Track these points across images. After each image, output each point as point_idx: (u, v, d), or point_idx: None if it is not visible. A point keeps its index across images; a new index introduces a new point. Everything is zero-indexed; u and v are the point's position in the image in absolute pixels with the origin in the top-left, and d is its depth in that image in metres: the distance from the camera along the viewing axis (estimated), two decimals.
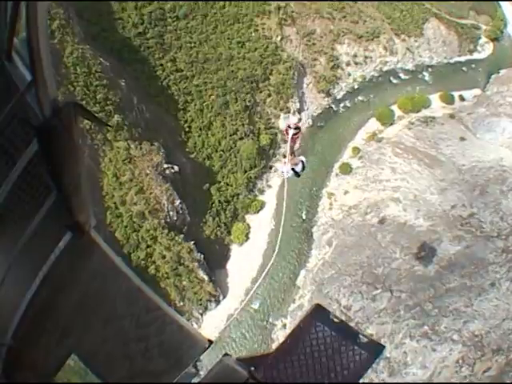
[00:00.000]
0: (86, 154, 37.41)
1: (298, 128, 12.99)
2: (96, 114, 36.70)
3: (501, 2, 78.48)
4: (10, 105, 2.64)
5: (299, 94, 55.29)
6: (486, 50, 70.08)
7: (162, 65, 49.66)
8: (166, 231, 40.90)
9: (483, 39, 70.88)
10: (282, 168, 13.77)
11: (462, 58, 67.29)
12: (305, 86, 56.34)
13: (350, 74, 59.23)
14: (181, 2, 53.22)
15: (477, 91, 61.98)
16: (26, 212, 3.03)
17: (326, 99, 56.71)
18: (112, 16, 50.00)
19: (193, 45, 52.17)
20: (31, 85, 2.45)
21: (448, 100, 59.20)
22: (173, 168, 44.56)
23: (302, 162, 13.50)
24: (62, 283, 3.39)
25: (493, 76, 63.12)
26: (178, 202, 43.12)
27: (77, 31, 43.69)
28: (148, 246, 39.94)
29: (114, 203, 39.92)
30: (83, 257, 3.42)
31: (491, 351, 31.97)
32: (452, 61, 66.71)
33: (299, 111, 54.41)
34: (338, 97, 57.53)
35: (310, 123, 55.01)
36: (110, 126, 41.41)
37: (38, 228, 3.03)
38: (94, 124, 39.72)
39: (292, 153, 12.47)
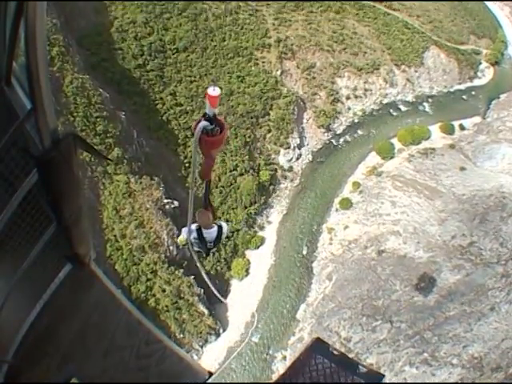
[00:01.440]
0: (85, 186, 40.62)
1: (218, 125, 4.43)
2: (96, 147, 41.93)
3: (502, 23, 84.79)
4: (9, 132, 2.68)
5: (299, 130, 59.77)
6: (486, 75, 76.18)
7: (161, 98, 53.29)
8: (165, 265, 44.49)
9: (483, 64, 77.17)
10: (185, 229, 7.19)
11: (462, 86, 72.85)
12: (305, 121, 60.90)
13: (349, 108, 64.08)
14: (180, 35, 57.11)
15: (477, 119, 66.93)
16: (26, 240, 3.13)
17: (326, 134, 61.41)
18: (112, 46, 53.51)
19: (193, 78, 55.86)
20: (31, 113, 2.51)
21: (448, 130, 63.89)
22: (173, 203, 48.33)
23: (220, 227, 6.87)
24: (62, 312, 3.64)
25: (493, 102, 68.52)
26: None
27: (76, 60, 47.24)
28: (148, 280, 43.42)
29: (114, 236, 43.45)
30: (83, 288, 3.72)
31: (490, 370, 35.48)
32: (452, 89, 72.22)
33: (299, 146, 59.00)
34: (338, 131, 62.26)
35: (310, 159, 59.31)
36: (110, 160, 44.24)
37: (38, 257, 3.15)
38: (94, 157, 41.58)
39: (206, 198, 6.21)
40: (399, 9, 78.10)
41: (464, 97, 71.66)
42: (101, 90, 47.14)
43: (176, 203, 48.76)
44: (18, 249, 3.19)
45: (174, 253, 46.52)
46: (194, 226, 7.03)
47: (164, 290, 43.76)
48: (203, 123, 4.29)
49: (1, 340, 3.60)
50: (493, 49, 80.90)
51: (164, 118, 52.94)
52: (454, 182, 53.29)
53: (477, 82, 75.18)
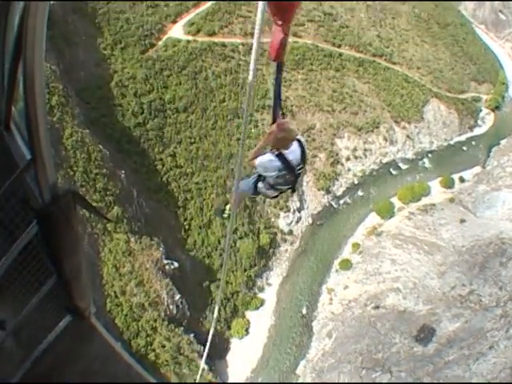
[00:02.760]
0: (85, 242, 43.07)
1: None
2: (96, 204, 45.88)
3: (503, 62, 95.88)
4: (8, 181, 2.77)
5: (299, 193, 64.02)
6: (486, 122, 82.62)
7: (161, 159, 56.87)
8: (165, 323, 47.84)
9: (484, 111, 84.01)
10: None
11: (463, 137, 78.90)
12: (305, 183, 65.43)
13: (349, 169, 69.18)
14: (180, 94, 60.75)
15: (477, 169, 72.39)
16: (27, 289, 3.29)
17: (326, 196, 66.25)
18: (112, 102, 56.78)
19: (193, 140, 59.79)
20: (30, 165, 2.60)
21: (448, 184, 69.20)
22: (172, 264, 51.78)
23: (299, 141, 6.96)
24: (60, 362, 3.93)
25: (493, 149, 74.19)
26: (177, 296, 50.09)
27: (76, 113, 49.89)
28: (148, 335, 46.49)
29: (114, 292, 46.51)
30: (83, 339, 4.04)
31: None
32: (452, 142, 78.11)
33: (299, 210, 63.38)
34: (338, 193, 67.25)
35: (310, 221, 63.74)
36: (109, 220, 47.78)
37: (38, 305, 3.33)
38: (93, 215, 44.03)
39: (278, 98, 6.69)
40: (399, 62, 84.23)
41: (464, 148, 77.40)
42: (100, 146, 50.22)
43: (176, 264, 51.93)
44: (17, 296, 3.33)
45: (174, 311, 49.56)
46: (266, 158, 6.92)
47: (164, 346, 46.66)
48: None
49: None
50: (493, 93, 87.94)
51: (164, 179, 56.15)
52: (454, 234, 57.94)
53: (477, 131, 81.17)
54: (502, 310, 45.77)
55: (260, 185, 7.68)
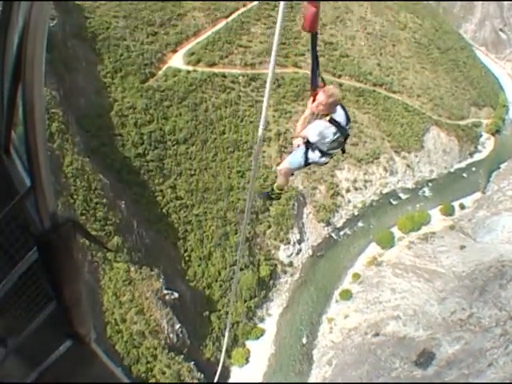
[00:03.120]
0: (85, 270, 45.67)
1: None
2: (96, 233, 48.59)
3: (504, 83, 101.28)
4: (8, 206, 2.85)
5: (299, 225, 67.03)
6: (487, 147, 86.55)
7: (161, 190, 59.28)
8: (166, 351, 49.92)
9: (484, 136, 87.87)
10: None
11: (463, 164, 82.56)
12: (305, 216, 68.40)
13: (349, 201, 72.36)
14: (181, 125, 63.70)
15: (477, 195, 75.86)
16: (26, 312, 3.38)
17: (326, 228, 69.23)
18: (112, 131, 59.13)
19: (193, 172, 62.32)
20: (30, 192, 2.67)
21: (448, 212, 72.39)
22: (173, 294, 54.16)
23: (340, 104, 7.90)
24: (59, 382, 4.01)
25: (493, 174, 77.80)
26: (177, 325, 52.29)
27: (76, 140, 52.15)
28: (148, 362, 48.63)
29: (115, 320, 48.66)
30: (83, 363, 4.15)
31: None
32: (452, 169, 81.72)
33: (299, 242, 66.05)
34: (338, 225, 70.21)
35: (310, 253, 66.49)
36: (109, 249, 49.45)
37: (38, 330, 3.43)
38: (93, 244, 45.33)
39: (315, 65, 7.33)
40: (399, 90, 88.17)
41: (464, 174, 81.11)
42: (101, 175, 52.43)
43: (176, 294, 54.15)
44: (17, 319, 3.44)
45: (174, 340, 51.73)
46: (322, 126, 7.71)
47: (164, 373, 48.55)
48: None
49: None
50: (494, 117, 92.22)
51: (164, 210, 58.68)
52: (454, 261, 60.58)
53: (477, 157, 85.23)
54: (501, 329, 48.02)
55: (311, 155, 8.48)
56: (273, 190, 9.86)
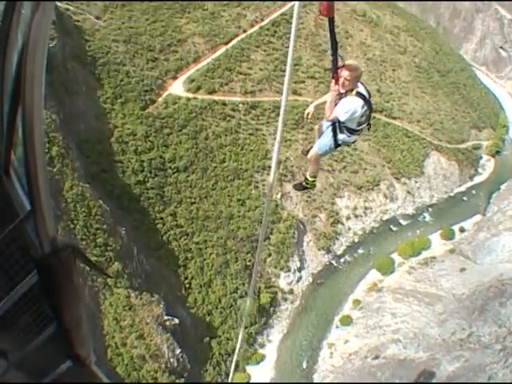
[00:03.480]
0: (86, 294, 47.29)
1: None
2: (96, 258, 50.63)
3: (504, 103, 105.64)
4: (8, 228, 2.93)
5: (299, 253, 69.62)
6: (487, 169, 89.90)
7: (162, 218, 61.40)
8: (166, 374, 52.12)
9: (484, 158, 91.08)
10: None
11: (463, 187, 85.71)
12: (305, 243, 70.93)
13: (350, 228, 74.76)
14: (181, 153, 66.18)
15: (478, 217, 78.42)
16: (26, 333, 3.51)
17: (327, 256, 71.69)
18: (112, 157, 61.26)
19: (193, 200, 64.51)
20: (30, 215, 2.79)
21: (448, 236, 74.96)
22: (173, 320, 56.53)
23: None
24: None
25: (493, 195, 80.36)
26: (178, 350, 54.30)
27: (76, 166, 54.08)
28: None
29: (115, 343, 50.78)
30: (84, 382, 4.38)
31: None
32: (452, 193, 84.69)
33: (299, 269, 68.58)
34: (339, 252, 72.67)
35: (311, 280, 68.87)
36: (109, 276, 52.05)
37: (38, 350, 3.56)
38: (93, 271, 46.49)
39: (335, 45, 8.38)
40: (399, 116, 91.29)
41: (464, 198, 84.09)
42: (101, 201, 54.47)
43: (176, 320, 56.42)
44: (16, 339, 3.53)
45: (175, 364, 53.77)
46: (351, 102, 8.80)
47: None
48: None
49: None
50: (494, 138, 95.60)
51: (164, 237, 60.88)
52: (454, 283, 62.68)
53: (477, 179, 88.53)
54: (501, 345, 49.66)
55: (340, 136, 9.38)
56: (306, 179, 10.88)
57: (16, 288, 3.08)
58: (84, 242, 50.34)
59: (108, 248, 53.01)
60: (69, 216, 50.08)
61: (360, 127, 9.27)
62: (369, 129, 9.51)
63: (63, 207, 49.64)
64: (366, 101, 8.91)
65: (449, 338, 55.33)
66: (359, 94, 8.75)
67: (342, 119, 8.99)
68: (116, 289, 52.92)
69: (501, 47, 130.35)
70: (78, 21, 73.66)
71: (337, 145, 9.67)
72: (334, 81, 8.64)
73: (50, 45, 58.45)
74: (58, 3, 67.98)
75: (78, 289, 3.21)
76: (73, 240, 48.66)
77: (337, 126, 9.26)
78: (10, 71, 2.76)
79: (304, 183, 11.00)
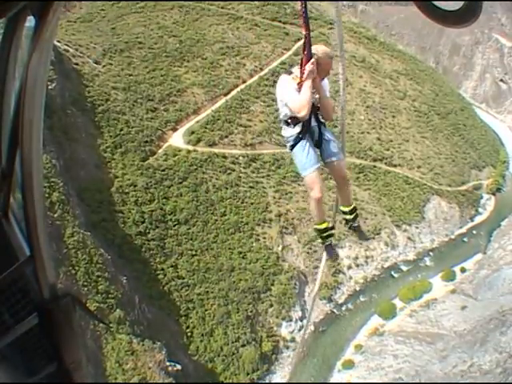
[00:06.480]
0: (88, 337, 50.41)
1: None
2: (98, 305, 53.88)
3: (504, 138, 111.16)
4: (8, 270, 3.03)
5: (301, 303, 73.18)
6: (487, 207, 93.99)
7: (163, 269, 64.16)
8: None
9: (485, 197, 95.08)
10: None
11: (464, 229, 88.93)
12: (307, 294, 74.35)
13: (351, 278, 78.56)
14: (181, 205, 68.95)
15: (478, 256, 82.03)
16: (27, 369, 3.62)
17: (328, 305, 75.43)
18: (112, 207, 63.96)
19: (194, 252, 67.05)
20: (29, 261, 2.91)
21: (449, 277, 78.66)
22: (175, 366, 59.48)
23: None
24: None
25: (494, 233, 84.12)
26: None
27: (77, 213, 56.27)
28: None
29: None
30: None
31: None
32: (453, 236, 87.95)
33: (301, 319, 72.26)
34: (340, 301, 76.31)
35: (312, 329, 72.04)
36: (107, 325, 54.86)
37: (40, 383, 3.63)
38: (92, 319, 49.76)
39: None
40: (400, 164, 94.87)
41: (465, 239, 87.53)
42: (102, 250, 56.44)
43: (179, 366, 59.26)
44: (15, 373, 3.60)
45: None
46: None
47: None
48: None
49: None
50: (494, 175, 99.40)
51: (165, 288, 64.16)
52: (455, 321, 66.47)
53: (478, 219, 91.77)
54: (501, 368, 53.38)
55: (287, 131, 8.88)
56: (316, 230, 10.07)
57: (17, 326, 3.29)
58: (85, 289, 52.90)
59: (109, 295, 55.29)
60: (70, 262, 52.49)
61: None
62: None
63: (64, 253, 51.96)
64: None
65: (450, 371, 58.67)
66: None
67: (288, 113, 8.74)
68: (118, 334, 55.83)
69: (501, 80, 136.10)
70: (77, 64, 77.97)
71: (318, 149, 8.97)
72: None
73: (50, 87, 62.73)
74: (57, 43, 71.72)
75: (77, 336, 3.50)
76: (74, 286, 52.17)
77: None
78: (7, 112, 3.03)
79: (321, 238, 10.22)
